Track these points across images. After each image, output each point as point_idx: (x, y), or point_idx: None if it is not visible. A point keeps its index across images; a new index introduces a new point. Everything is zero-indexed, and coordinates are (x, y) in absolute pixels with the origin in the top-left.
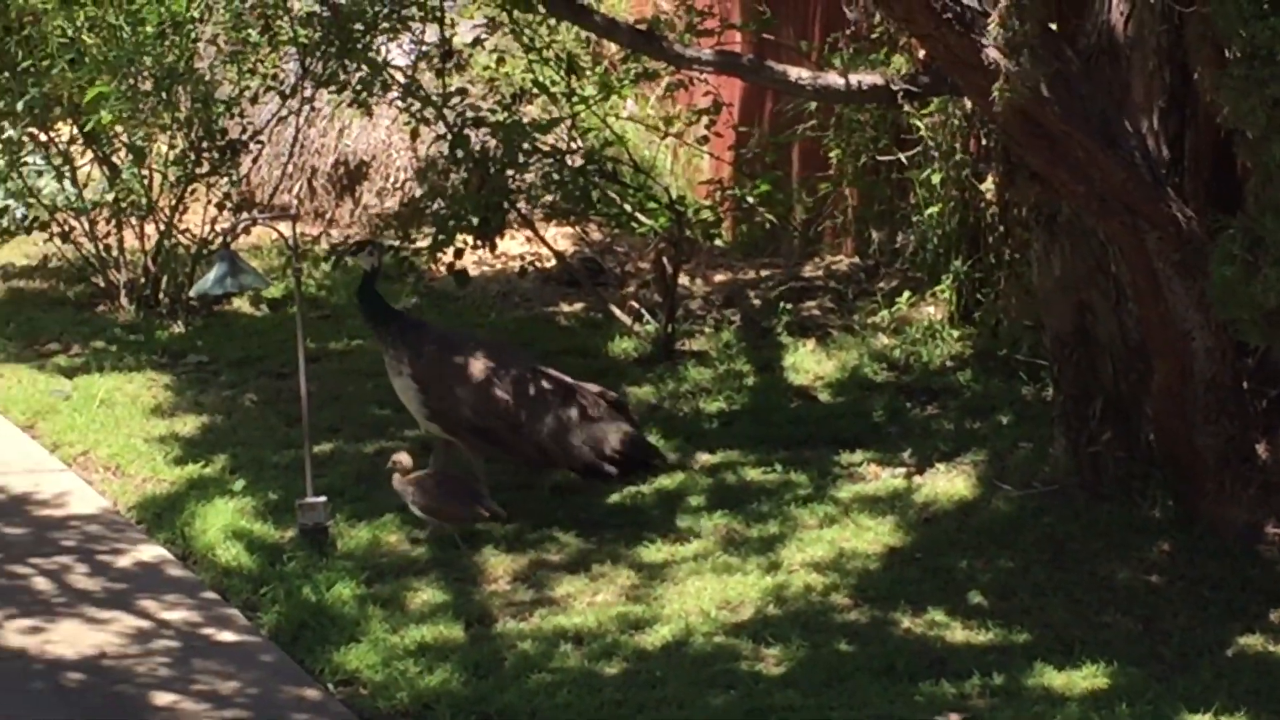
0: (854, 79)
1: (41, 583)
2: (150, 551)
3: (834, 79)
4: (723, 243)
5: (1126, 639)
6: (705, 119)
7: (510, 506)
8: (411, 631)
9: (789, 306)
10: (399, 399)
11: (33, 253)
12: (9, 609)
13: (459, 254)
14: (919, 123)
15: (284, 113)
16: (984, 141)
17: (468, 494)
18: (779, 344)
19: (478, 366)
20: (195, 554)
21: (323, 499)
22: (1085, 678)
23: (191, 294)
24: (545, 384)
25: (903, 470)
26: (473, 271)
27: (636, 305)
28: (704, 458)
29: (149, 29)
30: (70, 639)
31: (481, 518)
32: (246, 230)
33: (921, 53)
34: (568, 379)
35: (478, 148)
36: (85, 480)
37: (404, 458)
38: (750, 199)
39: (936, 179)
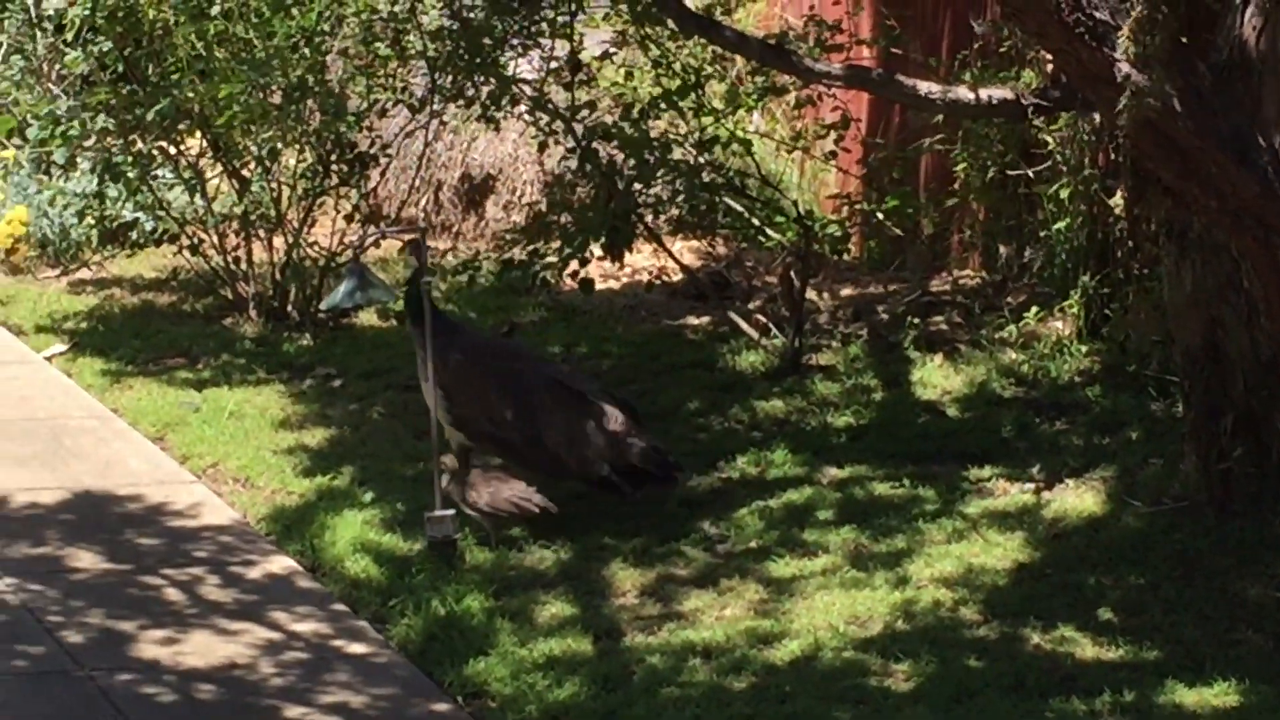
0: (984, 93)
1: (173, 594)
2: (280, 563)
3: (964, 93)
4: (849, 257)
5: (1258, 656)
6: (834, 133)
7: (637, 521)
8: (540, 645)
9: (916, 321)
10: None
11: (162, 265)
12: (142, 619)
13: (584, 263)
14: (1048, 137)
15: (412, 126)
16: (1113, 156)
17: (515, 489)
18: (906, 359)
19: (499, 377)
20: (324, 566)
21: (451, 512)
22: (1216, 695)
23: (321, 307)
24: (564, 396)
25: (1031, 486)
26: (599, 285)
27: (763, 319)
28: (832, 472)
29: (278, 42)
30: (202, 650)
31: (532, 513)
32: (377, 244)
33: (1049, 67)
34: (587, 392)
35: (605, 161)
36: (215, 492)
37: (450, 459)
38: (878, 214)
39: (1065, 194)
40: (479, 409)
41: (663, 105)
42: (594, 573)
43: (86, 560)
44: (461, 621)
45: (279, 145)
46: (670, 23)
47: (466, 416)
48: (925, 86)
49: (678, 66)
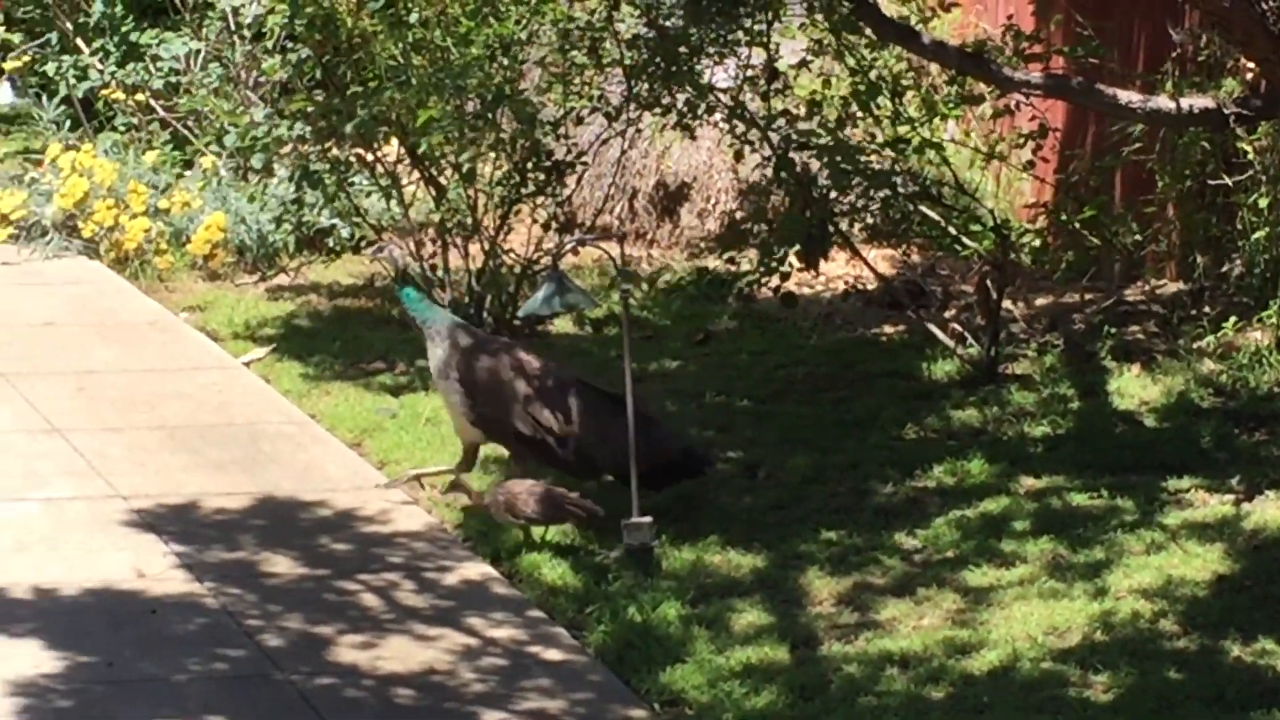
0: (1185, 102)
1: (370, 599)
2: (476, 569)
3: (1164, 102)
4: (1045, 266)
5: None
6: (1031, 143)
7: (832, 528)
8: (736, 653)
9: (1113, 331)
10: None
11: (358, 272)
12: (339, 624)
13: (784, 277)
14: (1246, 146)
15: (608, 134)
16: None
17: (556, 494)
18: (1103, 368)
19: (525, 375)
20: (520, 572)
21: (648, 519)
22: None
23: (520, 314)
24: (591, 394)
25: (1231, 497)
26: (795, 295)
27: (959, 328)
28: (1029, 482)
29: (475, 50)
30: (400, 655)
31: (581, 516)
32: (575, 251)
33: (1249, 75)
34: (611, 390)
35: (800, 169)
36: (411, 498)
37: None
38: (1076, 223)
39: (1264, 203)
40: (505, 408)
41: (858, 111)
42: (790, 581)
43: (283, 565)
44: (658, 628)
45: (476, 153)
46: (868, 31)
47: (491, 416)
48: (1126, 95)
49: (873, 75)
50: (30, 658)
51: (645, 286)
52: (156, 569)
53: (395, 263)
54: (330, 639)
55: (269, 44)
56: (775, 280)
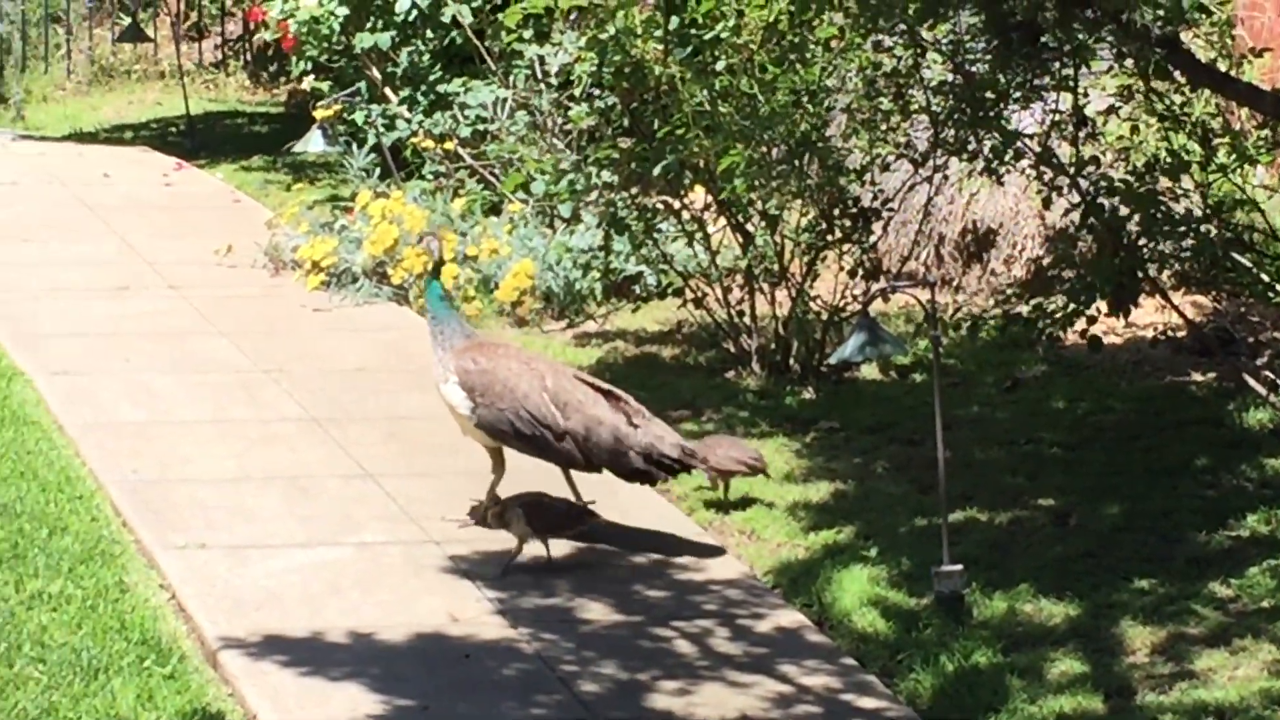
0: None
1: (684, 646)
2: (788, 617)
3: None
4: None
5: None
6: None
7: (1145, 577)
8: (1050, 702)
9: None
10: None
11: (665, 318)
12: (654, 671)
13: (1091, 320)
14: None
15: (914, 180)
16: None
17: (558, 512)
18: None
19: (523, 375)
20: (832, 620)
21: (959, 567)
22: None
23: (830, 360)
24: (590, 391)
25: None
26: (1102, 339)
27: (1271, 375)
28: None
29: (781, 97)
30: (714, 702)
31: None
32: (885, 297)
33: None
34: (608, 386)
35: (1110, 215)
36: (721, 544)
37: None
38: None
39: None
40: (503, 407)
41: (1169, 160)
42: (1104, 630)
43: (597, 611)
44: (971, 677)
45: (782, 200)
46: (1178, 76)
47: (491, 417)
48: None
49: (1183, 121)
50: (348, 700)
51: (952, 333)
52: (471, 613)
53: (433, 255)
54: (645, 685)
55: (576, 92)
56: (1081, 323)
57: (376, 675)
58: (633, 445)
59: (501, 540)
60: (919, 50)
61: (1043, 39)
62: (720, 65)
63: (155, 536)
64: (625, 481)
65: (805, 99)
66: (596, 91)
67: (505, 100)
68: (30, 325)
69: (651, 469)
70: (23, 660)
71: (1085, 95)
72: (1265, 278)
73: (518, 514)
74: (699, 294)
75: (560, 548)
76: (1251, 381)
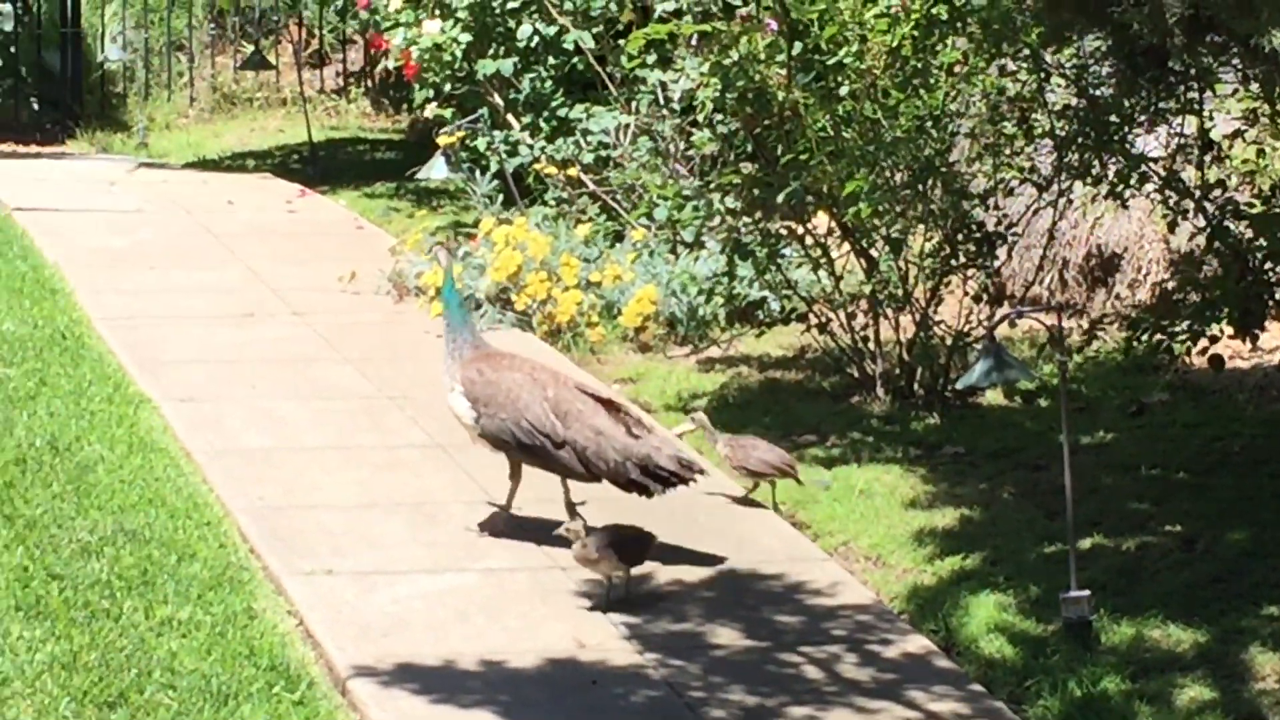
0: None
1: (812, 671)
2: (915, 642)
3: None
4: None
5: None
6: None
7: (1274, 603)
8: None
9: None
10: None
11: (789, 344)
12: (782, 697)
13: (1213, 340)
14: None
15: (1038, 205)
16: None
17: (624, 544)
18: None
19: (525, 385)
20: (959, 646)
21: (1086, 593)
22: None
23: (958, 386)
24: (592, 402)
25: None
26: (1229, 363)
27: None
28: None
29: (905, 122)
30: None
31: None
32: (1011, 322)
33: None
34: (609, 396)
35: (1236, 240)
36: (848, 570)
37: (577, 525)
38: None
39: None
40: (504, 417)
41: None
42: (1232, 656)
43: (725, 636)
44: (1099, 703)
45: (906, 225)
46: None
47: (493, 427)
48: None
49: None
50: None
51: (1077, 357)
52: (598, 639)
53: (442, 265)
54: (773, 711)
55: (699, 117)
56: (1205, 345)
57: (505, 702)
58: (630, 456)
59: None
60: (1043, 74)
61: (1168, 63)
62: (844, 90)
63: (282, 562)
64: (623, 492)
65: (929, 124)
66: (719, 117)
67: (628, 126)
68: (156, 352)
69: (648, 481)
70: (153, 686)
71: (1210, 118)
72: None
73: (609, 554)
74: (823, 319)
75: (690, 572)
76: None
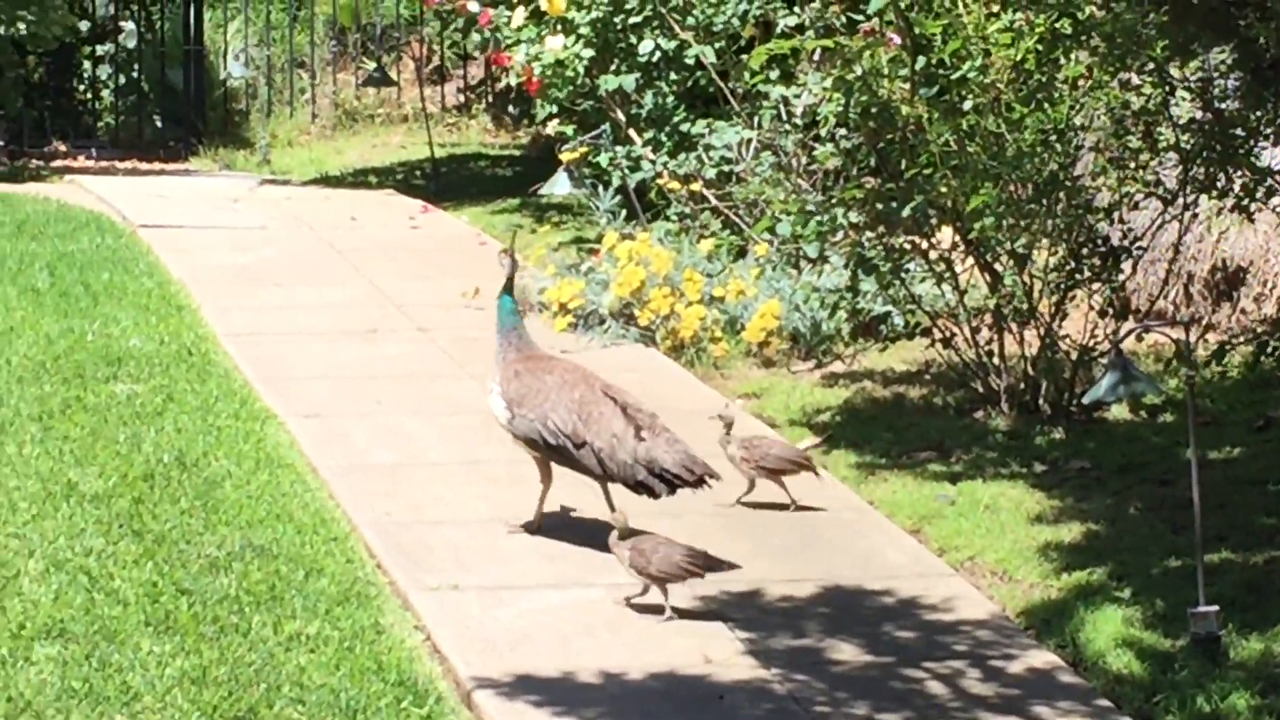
0: None
1: (935, 686)
2: (1041, 658)
3: None
4: None
5: None
6: None
7: None
8: None
9: None
10: None
11: (913, 359)
12: (906, 712)
13: None
14: None
15: (1163, 219)
16: None
17: (676, 555)
18: None
19: (554, 387)
20: (1085, 661)
21: (1214, 608)
22: None
23: (1084, 400)
24: (612, 405)
25: None
26: None
27: None
28: None
29: (1029, 136)
30: None
31: (695, 573)
32: (1139, 336)
33: None
34: (628, 399)
35: None
36: (973, 585)
37: (621, 517)
38: None
39: None
40: (534, 418)
41: None
42: None
43: (848, 651)
44: (1227, 719)
45: (1030, 239)
46: None
47: (524, 429)
48: None
49: None
50: None
51: (1203, 371)
52: (723, 655)
53: (506, 270)
54: None
55: (821, 132)
56: None
57: (628, 715)
58: (638, 458)
59: (747, 581)
60: (1168, 88)
61: None
62: (967, 105)
63: (409, 578)
64: (632, 493)
65: (1053, 138)
66: (842, 132)
67: (750, 141)
68: (281, 368)
69: (653, 482)
70: (282, 701)
71: None
72: None
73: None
74: (947, 334)
75: (809, 587)
76: None
